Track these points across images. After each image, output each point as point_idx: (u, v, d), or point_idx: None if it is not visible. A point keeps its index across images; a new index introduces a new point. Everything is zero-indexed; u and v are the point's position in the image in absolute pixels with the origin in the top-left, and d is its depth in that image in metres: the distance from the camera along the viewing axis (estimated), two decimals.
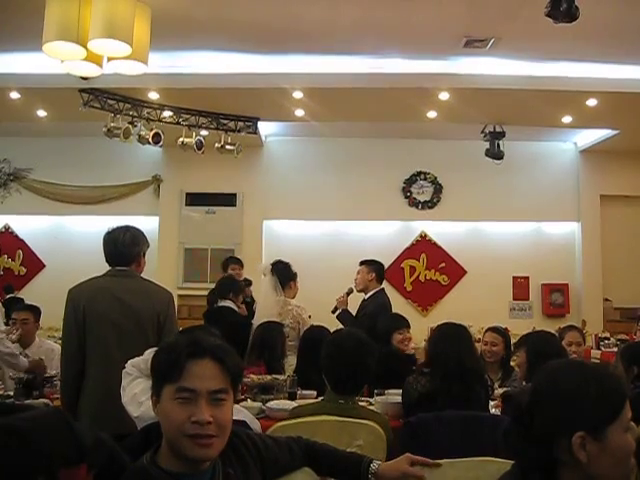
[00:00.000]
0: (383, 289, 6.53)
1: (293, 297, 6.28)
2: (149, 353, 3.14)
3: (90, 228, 11.06)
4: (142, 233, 3.98)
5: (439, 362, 3.69)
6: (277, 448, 2.17)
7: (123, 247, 3.81)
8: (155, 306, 3.77)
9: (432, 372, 3.70)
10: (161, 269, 10.49)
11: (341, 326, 5.92)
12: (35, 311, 5.74)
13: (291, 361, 5.57)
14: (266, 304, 6.24)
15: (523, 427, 1.70)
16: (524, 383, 4.12)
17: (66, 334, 3.75)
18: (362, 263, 6.63)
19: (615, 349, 8.21)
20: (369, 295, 6.49)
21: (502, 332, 5.28)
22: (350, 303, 6.59)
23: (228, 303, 6.34)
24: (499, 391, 4.50)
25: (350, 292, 6.59)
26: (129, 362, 3.17)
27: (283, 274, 6.28)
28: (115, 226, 3.93)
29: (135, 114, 8.94)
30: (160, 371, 1.85)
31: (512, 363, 5.03)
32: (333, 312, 6.48)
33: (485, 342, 5.24)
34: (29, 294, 10.16)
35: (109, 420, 3.23)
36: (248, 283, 7.35)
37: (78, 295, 3.77)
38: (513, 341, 5.04)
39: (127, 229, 3.90)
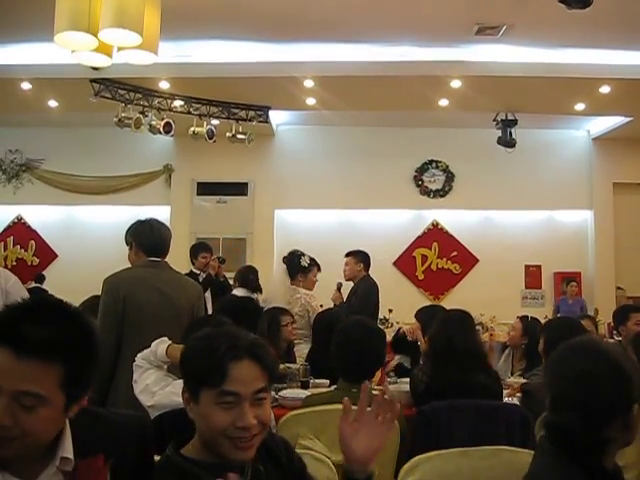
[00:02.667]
0: (368, 274, 6.62)
1: (308, 288, 6.28)
2: (155, 344, 3.15)
3: (102, 218, 11.13)
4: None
5: (430, 344, 3.69)
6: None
7: (161, 239, 3.86)
8: (190, 298, 3.82)
9: (427, 355, 3.70)
10: (172, 259, 10.49)
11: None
12: None
13: (302, 349, 5.59)
14: (274, 291, 6.31)
15: (573, 414, 1.70)
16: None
17: (104, 324, 3.66)
18: (348, 255, 6.71)
19: None
20: (356, 282, 6.59)
21: (525, 319, 5.08)
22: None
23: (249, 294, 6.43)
24: (514, 380, 4.46)
25: (340, 287, 6.70)
26: (138, 355, 3.17)
27: (291, 265, 6.30)
28: (148, 217, 3.95)
29: (146, 104, 8.95)
30: (198, 375, 1.75)
31: None
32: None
33: None
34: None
35: (141, 411, 3.21)
36: (222, 261, 7.57)
37: (117, 285, 3.71)
38: None
39: (159, 221, 3.95)
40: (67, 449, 1.51)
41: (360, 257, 6.63)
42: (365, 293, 6.43)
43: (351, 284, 6.67)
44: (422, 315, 4.96)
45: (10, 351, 1.40)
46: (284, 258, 6.39)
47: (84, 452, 1.54)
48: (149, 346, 3.24)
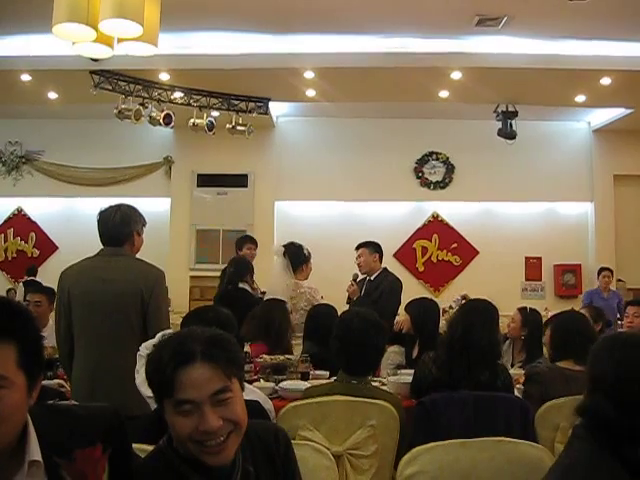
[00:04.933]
0: (386, 267, 6.45)
1: (306, 278, 6.25)
2: (160, 336, 3.14)
3: None
4: (135, 211, 3.86)
5: (448, 332, 3.62)
6: None
7: (113, 227, 3.76)
8: (139, 284, 3.64)
9: (442, 342, 3.64)
10: (173, 250, 10.56)
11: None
12: (49, 293, 5.75)
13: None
14: (276, 286, 6.20)
15: (607, 400, 1.70)
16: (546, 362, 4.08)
17: (56, 316, 3.78)
18: (362, 246, 6.41)
19: None
20: (375, 275, 6.32)
21: (524, 311, 5.10)
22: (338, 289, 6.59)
23: (245, 285, 6.39)
24: (515, 371, 4.44)
25: (356, 278, 6.40)
26: (142, 345, 3.16)
27: (295, 257, 6.23)
28: (107, 205, 3.85)
29: (146, 95, 8.93)
30: (153, 386, 1.74)
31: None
32: (348, 302, 6.33)
33: None
34: (42, 276, 10.20)
35: (99, 400, 3.20)
36: None
37: (66, 278, 3.79)
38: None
39: (118, 208, 3.81)
40: (34, 452, 1.49)
41: (374, 247, 6.37)
42: (391, 289, 6.18)
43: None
44: (412, 308, 4.96)
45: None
46: (285, 251, 6.29)
47: (61, 450, 1.53)
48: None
